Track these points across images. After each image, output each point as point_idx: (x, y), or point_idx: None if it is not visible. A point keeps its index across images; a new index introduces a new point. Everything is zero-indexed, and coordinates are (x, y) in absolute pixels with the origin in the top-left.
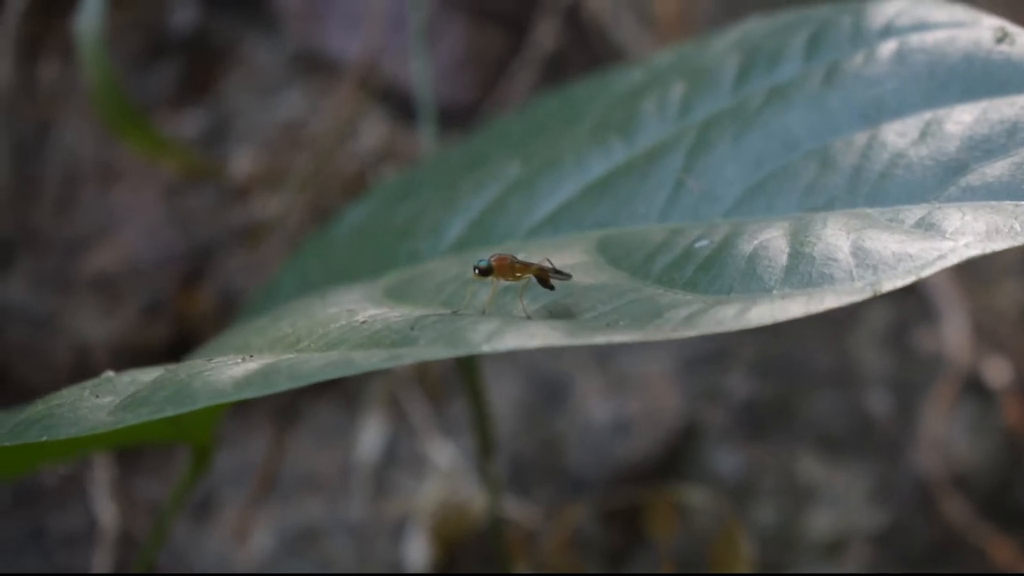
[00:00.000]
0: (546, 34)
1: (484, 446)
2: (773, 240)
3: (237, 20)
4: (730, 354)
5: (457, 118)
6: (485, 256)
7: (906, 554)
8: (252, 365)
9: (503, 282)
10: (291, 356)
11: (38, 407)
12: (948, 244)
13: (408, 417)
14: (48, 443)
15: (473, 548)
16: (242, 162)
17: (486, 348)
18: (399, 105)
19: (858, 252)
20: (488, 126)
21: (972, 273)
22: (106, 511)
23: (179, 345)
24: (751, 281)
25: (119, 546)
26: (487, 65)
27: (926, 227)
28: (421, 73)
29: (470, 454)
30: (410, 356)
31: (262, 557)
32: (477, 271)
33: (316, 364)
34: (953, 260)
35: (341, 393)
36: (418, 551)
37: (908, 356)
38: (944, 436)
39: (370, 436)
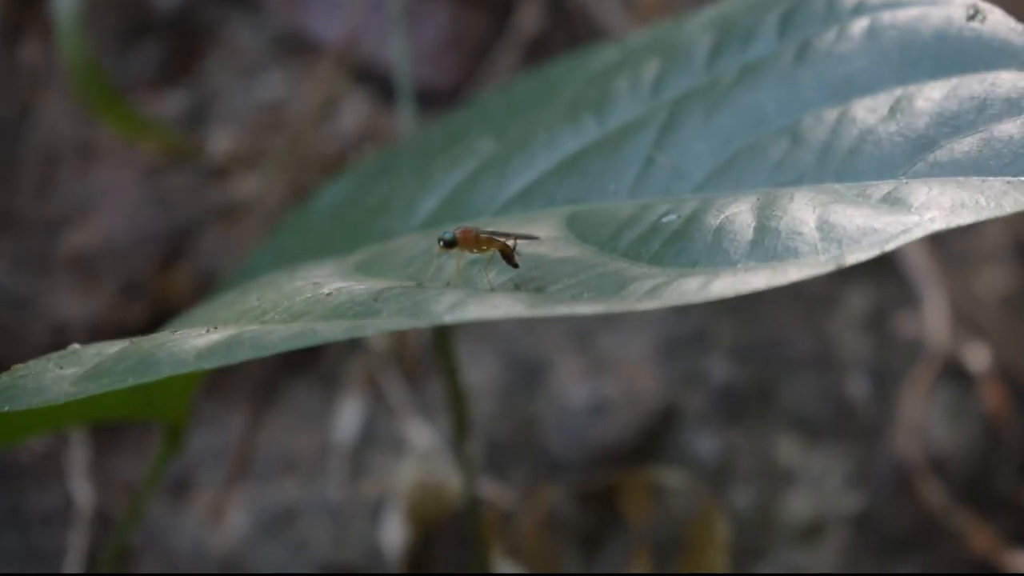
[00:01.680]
0: (529, 16)
1: (460, 427)
2: (740, 214)
3: (219, 1)
4: (709, 337)
5: (439, 100)
6: (451, 229)
7: (883, 538)
8: (216, 336)
9: (469, 254)
10: (255, 327)
11: (2, 379)
12: (913, 218)
13: (385, 397)
14: (16, 415)
15: (449, 529)
16: (222, 142)
17: (448, 319)
18: (380, 86)
19: (823, 226)
20: (466, 105)
21: (953, 258)
22: (82, 490)
23: (157, 325)
24: (717, 255)
25: (95, 525)
26: (469, 47)
27: (892, 202)
28: (400, 54)
29: (447, 435)
30: (372, 327)
31: (238, 537)
32: (442, 243)
33: (280, 335)
34: (917, 234)
35: (318, 373)
36: (394, 532)
37: (888, 340)
38: (923, 421)
39: (347, 416)
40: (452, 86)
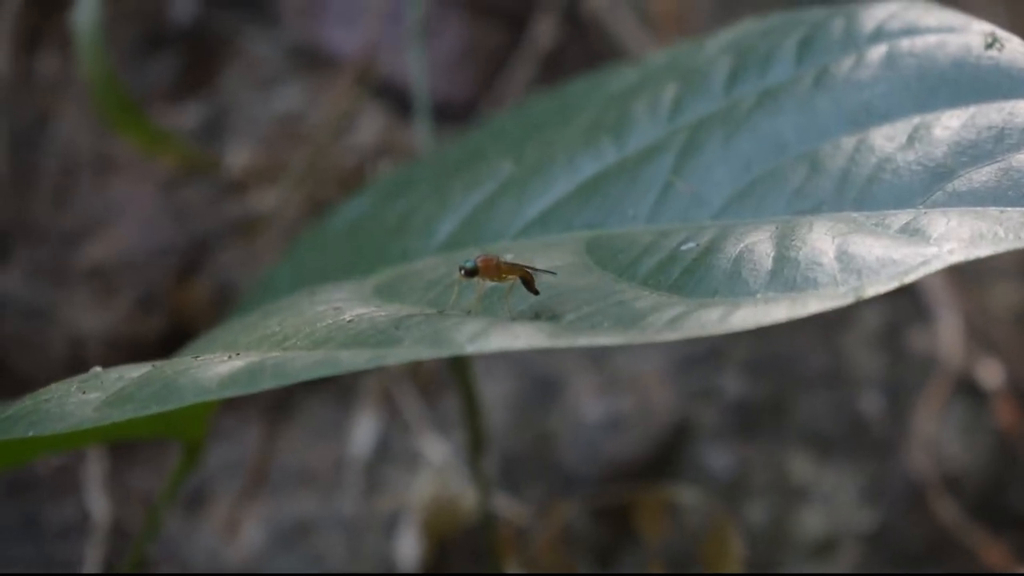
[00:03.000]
0: (544, 30)
1: (475, 442)
2: (759, 243)
3: (236, 13)
4: (723, 353)
5: (454, 113)
6: (472, 257)
7: (897, 554)
8: (238, 363)
9: (489, 283)
10: (277, 354)
11: (26, 402)
12: (932, 250)
13: (401, 412)
14: (37, 438)
15: (464, 544)
16: (239, 155)
17: (470, 349)
18: (397, 100)
19: (843, 256)
20: (484, 124)
21: (966, 274)
22: (99, 503)
23: (174, 338)
24: (736, 284)
25: (112, 538)
26: (485, 61)
27: (911, 232)
28: (417, 68)
29: (463, 450)
30: (394, 356)
31: (253, 551)
32: (463, 272)
33: (301, 363)
34: (936, 266)
35: (334, 388)
36: (409, 546)
37: (901, 356)
38: (936, 437)
39: (362, 431)
40: (468, 100)
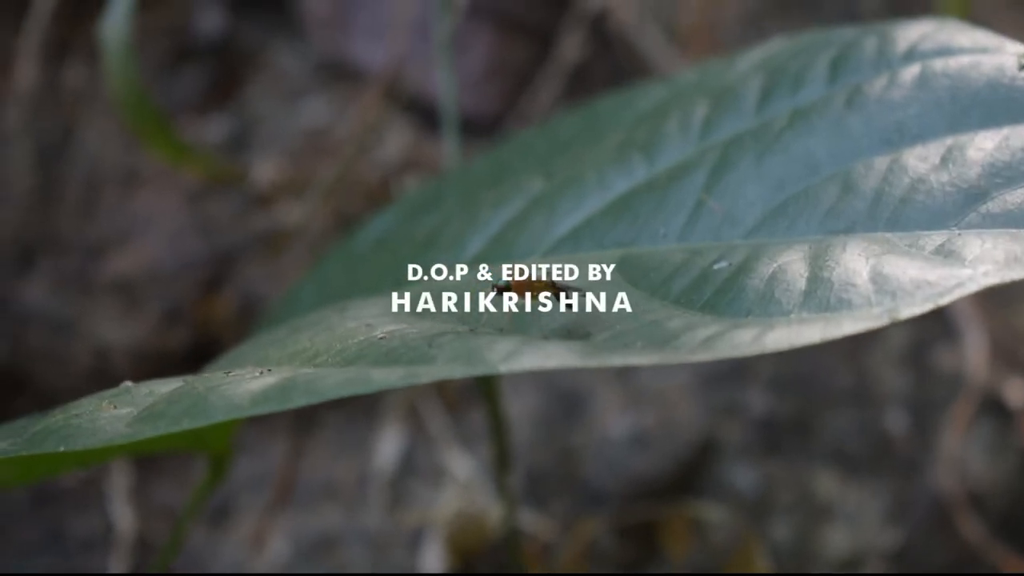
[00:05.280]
0: (571, 45)
1: (500, 458)
2: (792, 263)
3: (263, 27)
4: (748, 370)
5: (481, 128)
6: (503, 273)
7: (921, 573)
8: (270, 379)
9: (521, 300)
10: (309, 371)
11: (56, 417)
12: (967, 272)
13: (426, 427)
14: (66, 453)
15: (488, 559)
16: (265, 169)
17: (503, 368)
18: (423, 114)
19: (877, 278)
20: (512, 139)
21: (992, 293)
22: (123, 516)
23: (199, 351)
24: (769, 304)
25: (136, 551)
26: (512, 76)
27: (946, 254)
28: (445, 83)
29: (487, 465)
30: (427, 375)
31: (278, 565)
32: (495, 288)
33: (334, 380)
34: (972, 288)
35: (360, 402)
36: (434, 562)
37: (927, 375)
38: (961, 455)
39: (388, 446)
40: (494, 115)
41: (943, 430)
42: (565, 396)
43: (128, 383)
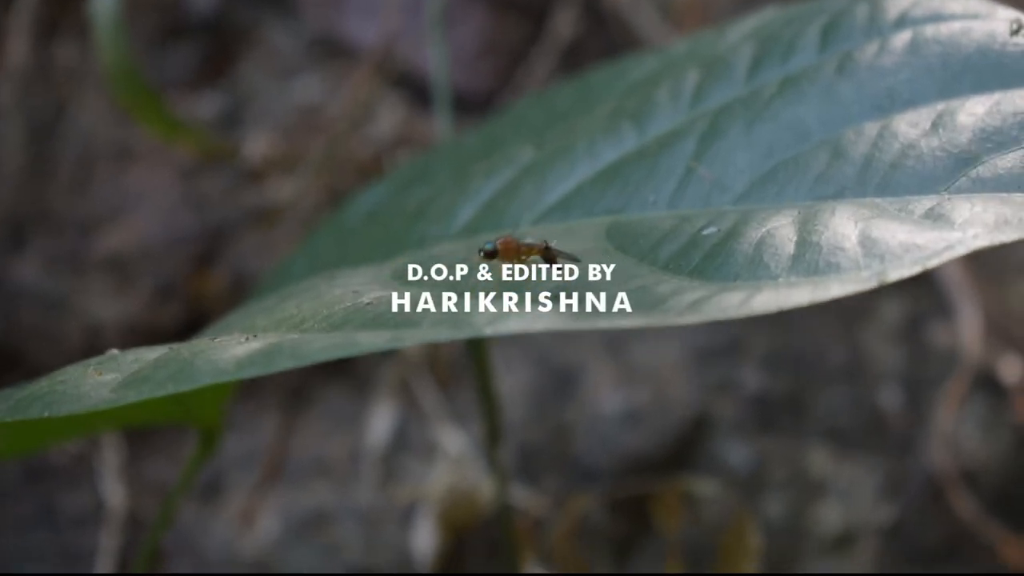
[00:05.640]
0: (565, 22)
1: (492, 434)
2: (781, 228)
3: (256, 3)
4: (742, 346)
5: (474, 105)
6: (491, 239)
7: (914, 550)
8: (255, 344)
9: (509, 265)
10: (295, 336)
11: (41, 384)
12: (956, 235)
13: (418, 403)
14: (53, 420)
15: (481, 535)
16: (258, 145)
17: (489, 331)
18: (416, 91)
19: (865, 241)
20: (505, 112)
21: (987, 270)
22: (114, 492)
23: (191, 327)
24: (757, 269)
25: (127, 527)
26: (505, 53)
27: (935, 217)
28: (437, 60)
29: (480, 441)
30: (412, 338)
31: (269, 542)
32: (483, 254)
33: (319, 344)
34: (960, 251)
35: (351, 378)
36: (425, 538)
37: (921, 351)
38: (955, 432)
39: (379, 422)
40: (487, 91)
41: (937, 407)
42: (558, 372)
43: (114, 350)
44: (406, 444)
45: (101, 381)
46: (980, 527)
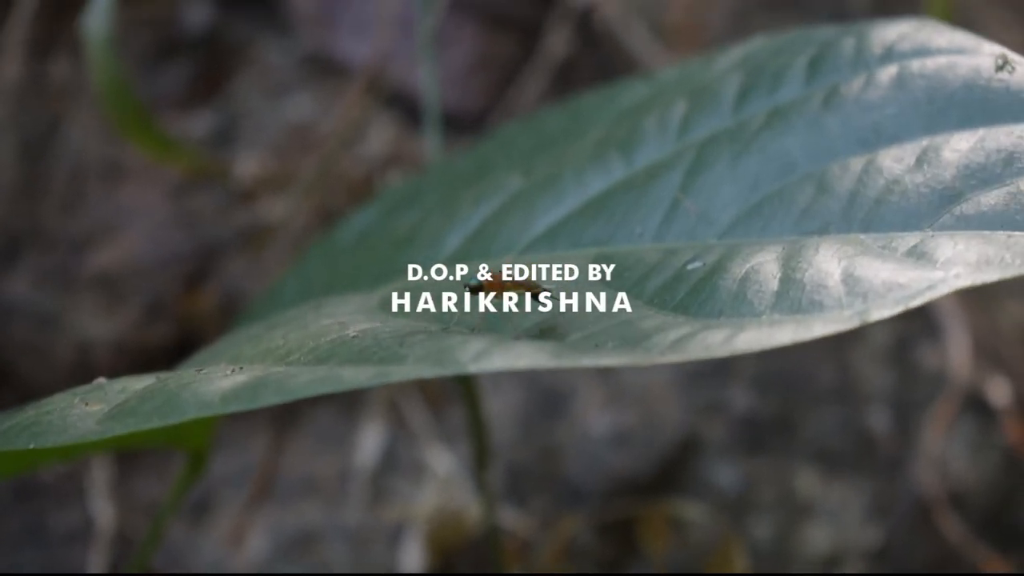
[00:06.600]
0: (557, 42)
1: (480, 454)
2: (765, 264)
3: (249, 22)
4: (731, 368)
5: (466, 124)
6: (477, 273)
7: (902, 571)
8: (241, 377)
9: (495, 299)
10: (280, 369)
11: (28, 413)
12: (938, 274)
13: (407, 423)
14: (40, 449)
15: (468, 556)
16: (249, 164)
17: (472, 368)
18: (408, 110)
19: (849, 280)
20: (495, 135)
21: (975, 292)
22: (103, 511)
23: (181, 345)
24: (741, 305)
25: (115, 546)
26: (497, 72)
27: (918, 256)
28: (428, 79)
29: (468, 462)
30: (398, 374)
31: (258, 561)
32: (468, 288)
33: (304, 379)
34: (942, 291)
35: (341, 398)
36: (413, 558)
37: (909, 373)
38: (943, 454)
39: (369, 442)
40: (479, 110)
41: (925, 428)
42: (546, 393)
43: (102, 379)
44: (395, 464)
45: (87, 412)
46: (968, 549)
